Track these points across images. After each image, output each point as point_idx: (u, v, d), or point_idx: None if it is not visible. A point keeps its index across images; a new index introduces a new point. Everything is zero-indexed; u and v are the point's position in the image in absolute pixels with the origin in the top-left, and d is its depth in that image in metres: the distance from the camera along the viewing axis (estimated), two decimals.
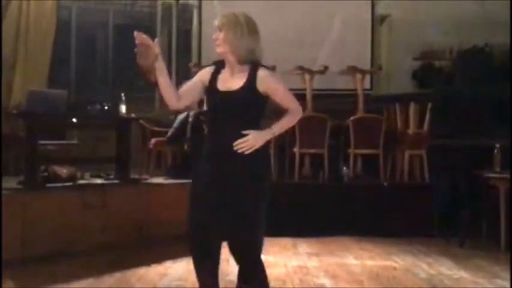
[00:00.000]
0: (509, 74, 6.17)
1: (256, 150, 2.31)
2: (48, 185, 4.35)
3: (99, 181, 4.74)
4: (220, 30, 2.37)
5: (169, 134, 5.71)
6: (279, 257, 4.38)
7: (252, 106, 2.36)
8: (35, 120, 4.34)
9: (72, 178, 4.55)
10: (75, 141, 5.98)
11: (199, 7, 7.07)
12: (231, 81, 2.38)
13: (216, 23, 2.38)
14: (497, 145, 5.03)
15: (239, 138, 2.29)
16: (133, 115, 5.22)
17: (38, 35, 6.30)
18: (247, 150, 2.29)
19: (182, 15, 7.18)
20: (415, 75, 6.80)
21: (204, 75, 2.46)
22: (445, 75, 6.71)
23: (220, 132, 2.34)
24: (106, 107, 4.82)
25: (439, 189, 5.38)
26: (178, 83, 7.35)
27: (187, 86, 2.50)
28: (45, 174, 4.44)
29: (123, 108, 5.00)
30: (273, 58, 6.43)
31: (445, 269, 4.09)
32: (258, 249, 2.35)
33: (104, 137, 5.66)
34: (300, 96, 6.35)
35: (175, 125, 5.74)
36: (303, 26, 6.78)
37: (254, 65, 2.37)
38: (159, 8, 7.18)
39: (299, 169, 5.74)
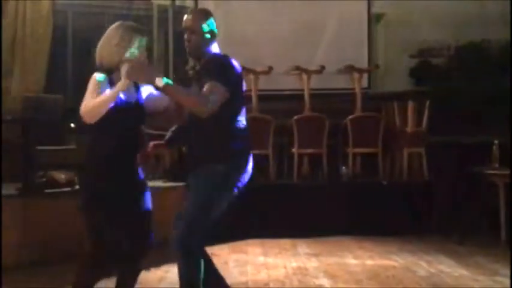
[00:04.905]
0: (509, 70, 6.15)
1: None
2: (47, 190, 4.35)
3: None
4: None
5: None
6: (279, 258, 4.37)
7: None
8: (31, 126, 4.33)
9: (70, 183, 4.54)
10: (73, 146, 5.95)
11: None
12: None
13: None
14: (496, 141, 5.05)
15: None
16: None
17: (35, 40, 6.27)
18: None
19: (178, 17, 7.16)
20: (413, 73, 6.78)
21: None
22: (442, 72, 6.68)
23: None
24: None
25: (439, 187, 5.36)
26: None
27: None
28: (43, 180, 4.44)
29: None
30: (269, 58, 6.43)
31: (445, 266, 4.08)
32: None
33: None
34: (298, 97, 6.35)
35: None
36: (298, 25, 6.75)
37: None
38: (155, 11, 7.15)
39: (298, 169, 5.72)
